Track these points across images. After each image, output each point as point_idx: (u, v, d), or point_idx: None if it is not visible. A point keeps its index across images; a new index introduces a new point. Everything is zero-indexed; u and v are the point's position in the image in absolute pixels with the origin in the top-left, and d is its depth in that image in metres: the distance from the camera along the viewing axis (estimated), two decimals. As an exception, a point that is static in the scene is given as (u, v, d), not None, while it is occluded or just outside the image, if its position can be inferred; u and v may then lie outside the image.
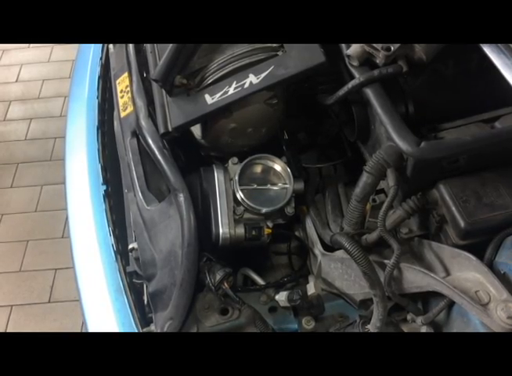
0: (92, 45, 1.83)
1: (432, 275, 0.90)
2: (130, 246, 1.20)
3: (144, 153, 1.25)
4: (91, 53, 1.79)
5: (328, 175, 1.35)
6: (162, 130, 1.13)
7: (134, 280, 1.26)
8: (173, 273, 1.10)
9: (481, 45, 1.01)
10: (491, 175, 0.98)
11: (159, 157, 1.14)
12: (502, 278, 0.87)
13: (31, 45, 3.08)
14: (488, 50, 1.01)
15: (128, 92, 1.34)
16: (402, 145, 0.94)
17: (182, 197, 1.10)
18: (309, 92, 1.29)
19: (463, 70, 1.09)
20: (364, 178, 1.00)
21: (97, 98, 1.63)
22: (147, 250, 1.16)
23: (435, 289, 0.90)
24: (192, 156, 1.32)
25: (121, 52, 1.44)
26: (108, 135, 1.51)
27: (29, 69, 2.99)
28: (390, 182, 0.97)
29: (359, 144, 1.22)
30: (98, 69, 1.70)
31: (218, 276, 1.07)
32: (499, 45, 0.99)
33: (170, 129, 1.12)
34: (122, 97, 1.37)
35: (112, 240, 1.32)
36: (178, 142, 1.28)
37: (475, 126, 1.00)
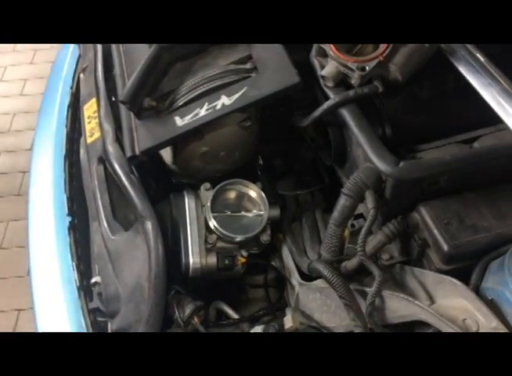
0: (63, 75, 1.79)
1: (417, 303, 0.84)
2: (92, 280, 1.11)
3: (111, 181, 1.19)
4: (61, 83, 1.75)
5: (305, 202, 1.30)
6: (129, 154, 1.06)
7: (97, 318, 1.17)
8: (139, 309, 1.01)
9: (457, 65, 1.00)
10: (472, 195, 0.94)
11: (125, 182, 1.07)
12: (489, 304, 0.81)
13: (3, 77, 3.03)
14: (464, 70, 1.00)
15: (95, 117, 1.28)
16: (381, 165, 0.90)
17: (149, 225, 1.03)
18: (285, 117, 1.26)
19: (439, 92, 1.07)
20: (342, 201, 0.95)
21: (66, 127, 1.57)
22: (111, 284, 1.07)
23: (420, 318, 0.84)
24: (163, 184, 1.26)
25: (90, 79, 1.40)
26: (76, 165, 1.44)
27: (0, 102, 2.93)
28: (369, 204, 0.92)
29: (336, 168, 1.18)
30: (68, 98, 1.65)
31: (188, 311, 1.00)
32: (475, 64, 0.98)
33: (137, 153, 1.06)
34: (89, 123, 1.31)
35: (75, 275, 1.23)
36: (149, 169, 1.23)
37: (454, 146, 0.96)
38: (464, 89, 1.04)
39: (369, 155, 0.92)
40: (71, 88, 1.70)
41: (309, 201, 1.31)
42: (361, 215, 1.08)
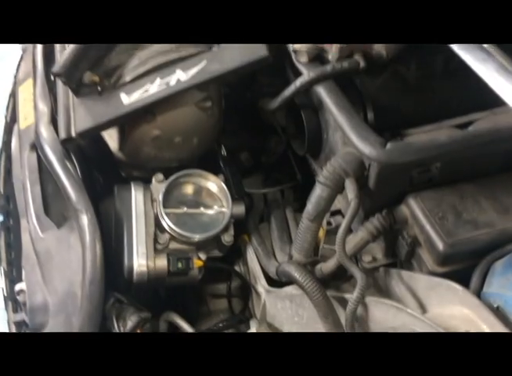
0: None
1: (409, 311, 0.69)
2: (17, 287, 0.92)
3: (45, 171, 1.01)
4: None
5: (274, 201, 1.15)
6: (63, 135, 0.89)
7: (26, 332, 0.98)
8: (69, 321, 0.85)
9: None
10: (469, 186, 0.81)
11: (57, 169, 0.90)
12: (495, 313, 0.67)
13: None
14: (456, 45, 0.87)
15: (31, 99, 1.10)
16: (364, 147, 0.75)
17: (84, 220, 0.85)
18: (252, 104, 1.11)
19: (427, 73, 0.95)
20: (318, 192, 0.80)
21: (5, 117, 1.38)
22: (38, 291, 0.90)
23: (413, 330, 0.68)
24: (112, 179, 1.08)
25: (29, 58, 1.22)
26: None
27: None
28: (350, 194, 0.77)
29: (310, 160, 1.03)
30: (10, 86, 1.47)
31: (130, 323, 0.83)
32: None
33: (73, 135, 0.89)
34: (24, 106, 1.13)
35: (2, 282, 1.04)
36: (95, 162, 1.06)
37: (447, 131, 0.83)
38: (455, 71, 0.92)
39: (349, 136, 0.78)
40: (15, 76, 1.51)
41: (279, 200, 1.16)
42: (338, 212, 0.93)
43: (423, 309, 0.75)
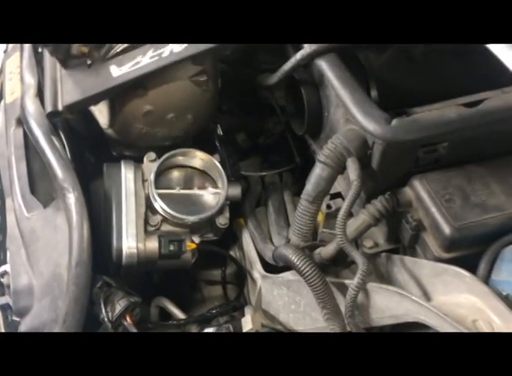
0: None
1: (414, 298, 0.64)
2: (0, 269, 0.88)
3: (32, 147, 0.96)
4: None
5: (272, 184, 1.10)
6: (49, 109, 0.84)
7: (13, 318, 0.93)
8: (55, 305, 0.81)
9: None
10: (478, 168, 0.76)
11: (43, 145, 0.85)
12: (505, 301, 0.63)
13: None
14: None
15: (18, 73, 1.05)
16: (368, 124, 0.71)
17: (71, 199, 0.81)
18: (250, 82, 1.06)
19: (435, 49, 0.89)
20: (317, 171, 0.75)
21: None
22: (22, 273, 0.85)
23: (418, 319, 0.64)
24: (104, 159, 1.03)
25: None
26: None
27: None
28: (351, 175, 0.73)
29: (309, 140, 0.98)
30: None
31: (119, 308, 0.78)
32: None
33: (59, 108, 0.84)
34: (11, 80, 1.07)
35: (-14, 264, 0.99)
36: (86, 141, 1.01)
37: (455, 109, 0.78)
38: (464, 47, 0.87)
39: (352, 112, 0.73)
40: (5, 51, 1.45)
41: (277, 183, 1.11)
42: (339, 195, 0.88)
43: (427, 296, 0.71)
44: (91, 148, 1.05)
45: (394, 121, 0.70)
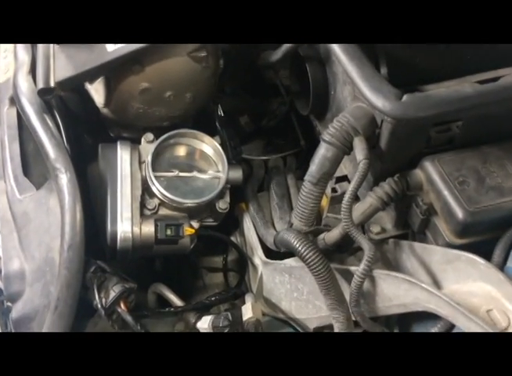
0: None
1: (424, 286, 0.60)
2: (-8, 252, 0.85)
3: (26, 127, 0.92)
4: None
5: (275, 168, 1.05)
6: (41, 85, 0.80)
7: (8, 304, 0.91)
8: (47, 291, 0.78)
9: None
10: (493, 149, 0.72)
11: (34, 123, 0.81)
12: (522, 291, 0.58)
13: None
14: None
15: (12, 51, 1.01)
16: (376, 100, 0.66)
17: (64, 180, 0.77)
18: (253, 62, 1.01)
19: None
20: (322, 151, 0.71)
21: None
22: (14, 257, 0.82)
23: (428, 308, 0.60)
24: (102, 141, 1.00)
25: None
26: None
27: None
28: (358, 155, 0.68)
29: (315, 121, 0.94)
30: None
31: (113, 294, 0.75)
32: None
33: (52, 84, 0.80)
34: (5, 57, 1.03)
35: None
36: (83, 122, 0.98)
37: (471, 85, 0.73)
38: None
39: (360, 88, 0.68)
40: None
41: (280, 167, 1.07)
42: (345, 178, 0.84)
43: (437, 285, 0.67)
44: (89, 129, 1.01)
45: (405, 97, 0.65)
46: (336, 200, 0.82)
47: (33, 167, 0.91)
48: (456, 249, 0.66)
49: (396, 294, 0.64)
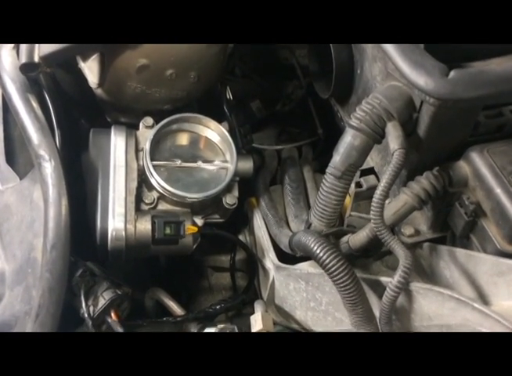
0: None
1: (476, 305, 0.49)
2: (-30, 250, 0.75)
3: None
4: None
5: (290, 158, 0.95)
6: (23, 60, 0.70)
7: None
8: (29, 295, 0.70)
9: None
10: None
11: (16, 103, 0.72)
12: None
13: None
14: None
15: (0, 25, 0.91)
16: (417, 77, 0.55)
17: (48, 168, 0.68)
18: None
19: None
20: (348, 139, 0.60)
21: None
22: (-7, 256, 0.72)
23: (478, 330, 0.49)
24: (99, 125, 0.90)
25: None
26: None
27: None
28: (392, 143, 0.58)
29: (336, 106, 0.84)
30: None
31: (102, 301, 0.65)
32: None
33: (36, 59, 0.70)
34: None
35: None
36: (79, 106, 0.89)
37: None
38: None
39: (396, 63, 0.57)
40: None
41: (295, 158, 0.97)
42: (371, 171, 0.73)
43: (484, 299, 0.57)
44: (86, 113, 0.91)
45: (453, 73, 0.54)
46: (361, 197, 0.71)
47: (18, 154, 0.82)
48: (509, 258, 0.55)
49: (439, 313, 0.54)
